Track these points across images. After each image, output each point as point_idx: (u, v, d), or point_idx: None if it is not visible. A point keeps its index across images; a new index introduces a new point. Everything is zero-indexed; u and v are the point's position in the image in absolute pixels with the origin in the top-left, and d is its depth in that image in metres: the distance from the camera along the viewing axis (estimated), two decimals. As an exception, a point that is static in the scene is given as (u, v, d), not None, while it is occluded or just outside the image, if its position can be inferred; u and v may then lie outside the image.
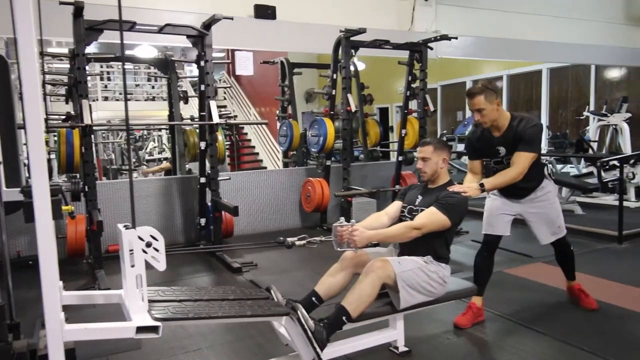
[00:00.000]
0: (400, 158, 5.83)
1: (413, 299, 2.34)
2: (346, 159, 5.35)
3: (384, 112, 12.61)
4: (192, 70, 13.54)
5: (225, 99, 12.79)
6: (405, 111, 5.74)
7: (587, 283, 3.30)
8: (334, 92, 5.52)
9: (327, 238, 2.39)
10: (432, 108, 5.57)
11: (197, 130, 5.20)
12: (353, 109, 5.15)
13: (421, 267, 2.37)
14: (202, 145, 4.69)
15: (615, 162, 5.73)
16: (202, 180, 4.80)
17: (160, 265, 1.79)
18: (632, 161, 5.90)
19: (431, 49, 5.57)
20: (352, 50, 5.23)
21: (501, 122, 2.79)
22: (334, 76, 5.48)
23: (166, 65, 5.78)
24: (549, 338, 2.71)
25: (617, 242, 4.64)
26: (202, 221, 4.91)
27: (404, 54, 5.65)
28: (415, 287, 2.33)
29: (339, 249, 2.38)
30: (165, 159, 9.39)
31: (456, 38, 5.55)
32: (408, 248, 2.48)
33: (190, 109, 9.12)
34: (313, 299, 2.40)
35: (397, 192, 5.86)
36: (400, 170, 5.89)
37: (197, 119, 5.38)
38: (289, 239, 2.39)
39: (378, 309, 2.35)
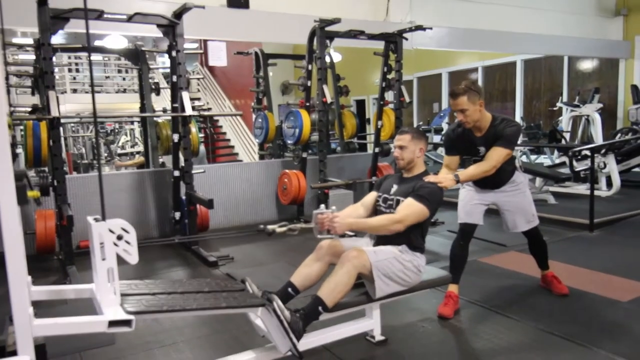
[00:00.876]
0: (377, 149, 5.87)
1: (388, 288, 2.38)
2: (322, 150, 5.37)
3: (360, 104, 12.69)
4: (164, 62, 13.34)
5: (199, 90, 12.64)
6: (381, 102, 5.79)
7: (559, 270, 3.40)
8: (309, 84, 5.52)
9: (307, 225, 2.42)
10: (407, 99, 5.62)
11: (170, 123, 5.13)
12: (329, 100, 5.16)
13: (396, 257, 2.41)
14: (175, 137, 4.64)
15: (587, 152, 5.90)
16: (176, 173, 4.76)
17: (132, 258, 1.78)
18: (603, 151, 6.08)
19: (406, 39, 5.61)
20: (327, 41, 5.23)
21: (483, 123, 2.86)
22: (309, 67, 5.48)
23: (137, 56, 5.68)
24: (523, 324, 2.79)
25: (588, 230, 4.79)
26: (177, 215, 4.88)
27: (380, 45, 5.68)
28: (390, 276, 2.37)
29: (319, 236, 2.41)
30: (138, 152, 9.25)
31: (431, 29, 5.61)
32: (384, 238, 2.51)
33: (162, 101, 9.01)
34: (289, 289, 2.42)
35: (373, 183, 5.94)
36: (377, 161, 5.94)
37: (169, 111, 5.31)
38: (269, 226, 2.41)
39: (354, 298, 2.38)
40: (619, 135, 7.51)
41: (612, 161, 6.07)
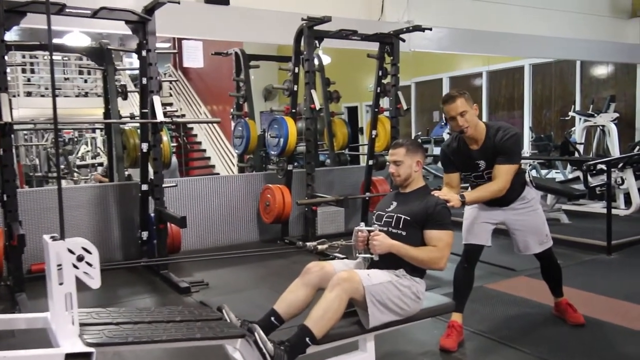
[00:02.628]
0: (371, 162, 5.91)
1: (384, 317, 2.37)
2: (310, 162, 5.39)
3: (352, 111, 12.77)
4: (132, 62, 13.36)
5: (171, 95, 12.67)
6: (376, 110, 5.84)
7: (574, 297, 3.43)
8: (295, 88, 5.56)
9: (347, 243, 2.55)
10: (405, 106, 5.69)
11: (138, 130, 5.12)
12: (317, 106, 5.21)
13: (393, 282, 2.41)
14: (144, 147, 4.63)
15: (603, 166, 5.99)
16: (144, 187, 4.73)
17: (94, 282, 1.76)
18: (620, 165, 6.18)
19: (403, 40, 5.70)
20: (316, 41, 5.29)
21: (479, 133, 2.90)
22: (296, 70, 5.52)
23: (101, 56, 5.68)
24: (534, 358, 2.79)
25: (605, 252, 4.85)
26: (144, 235, 4.84)
27: (374, 46, 5.75)
28: (385, 303, 2.36)
29: (357, 255, 2.51)
30: (100, 164, 9.18)
31: (430, 29, 5.70)
32: (379, 260, 2.51)
33: (129, 106, 8.99)
34: (272, 318, 2.40)
35: (366, 199, 5.97)
36: (371, 175, 5.98)
37: (138, 117, 5.30)
38: (309, 243, 2.56)
39: (345, 328, 2.37)
40: (637, 147, 7.65)
41: (631, 176, 6.17)
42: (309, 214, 5.45)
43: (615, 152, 7.59)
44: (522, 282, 4.12)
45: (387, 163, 6.11)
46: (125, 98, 5.89)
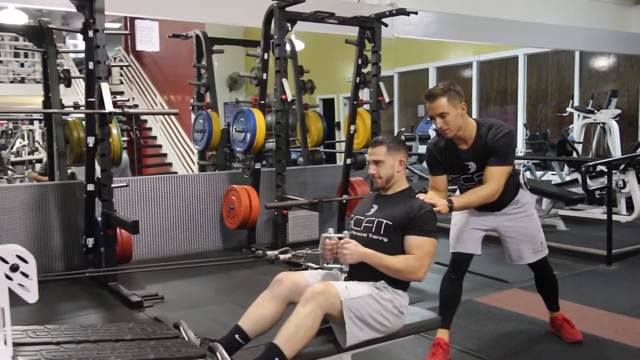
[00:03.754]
0: (349, 161, 5.93)
1: (363, 334, 2.38)
2: (280, 161, 5.38)
3: (328, 104, 12.82)
4: (76, 44, 13.16)
5: (122, 82, 12.53)
6: (355, 102, 5.87)
7: (571, 312, 3.50)
8: (265, 77, 5.55)
9: (313, 251, 2.51)
10: (387, 99, 5.72)
11: (84, 122, 5.04)
12: (289, 98, 5.20)
13: (373, 294, 2.42)
14: (90, 141, 4.57)
15: (603, 168, 6.14)
16: (90, 187, 4.68)
17: (31, 295, 1.73)
18: (622, 166, 6.34)
19: (385, 25, 5.73)
20: (288, 24, 5.29)
21: (468, 133, 2.92)
22: (265, 56, 5.51)
23: (41, 36, 5.57)
24: (527, 378, 2.85)
25: (605, 263, 4.96)
26: (90, 242, 4.78)
27: (353, 31, 5.77)
28: (365, 319, 2.37)
29: (325, 265, 2.50)
30: (39, 161, 9.01)
31: (416, 13, 5.75)
32: (357, 271, 2.52)
33: (73, 95, 8.85)
34: (236, 336, 2.39)
35: (343, 202, 6.00)
36: (349, 176, 6.00)
37: (83, 107, 5.22)
38: (270, 252, 2.51)
39: (319, 347, 2.37)
40: (641, 147, 7.85)
41: (633, 179, 6.34)
42: (279, 219, 5.44)
43: (616, 152, 7.78)
44: (515, 295, 4.18)
45: (367, 162, 6.14)
46: (68, 85, 5.79)
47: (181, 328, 2.29)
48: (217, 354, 2.10)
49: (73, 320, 3.82)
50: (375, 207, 2.64)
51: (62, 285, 4.59)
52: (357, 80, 5.82)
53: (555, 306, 3.38)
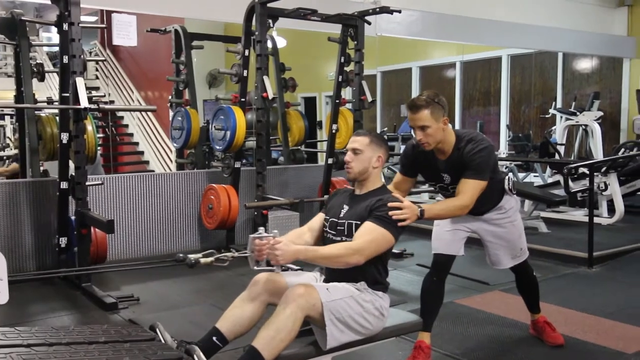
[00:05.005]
0: (331, 160, 5.94)
1: (343, 336, 2.39)
2: (261, 160, 5.36)
3: (310, 102, 12.82)
4: (50, 37, 12.99)
5: (97, 78, 12.41)
6: (337, 101, 5.87)
7: (553, 314, 3.54)
8: (245, 74, 5.52)
9: (241, 254, 2.39)
10: (370, 98, 5.74)
11: (57, 118, 4.98)
12: (270, 95, 5.18)
13: (354, 296, 2.43)
14: (64, 137, 4.52)
15: (585, 170, 6.22)
16: (64, 185, 4.62)
17: (1, 296, 1.71)
18: (603, 169, 6.43)
19: (369, 23, 5.74)
20: (270, 21, 5.28)
21: (447, 145, 2.90)
22: (246, 53, 5.49)
23: (13, 28, 5.49)
24: (508, 381, 2.88)
25: (586, 265, 5.03)
26: (63, 241, 4.73)
27: (336, 29, 5.78)
28: (346, 321, 2.38)
29: (255, 268, 2.39)
30: (9, 158, 8.87)
31: (399, 12, 5.77)
32: (337, 273, 2.52)
33: (47, 89, 8.74)
34: (214, 338, 2.38)
35: (325, 202, 5.99)
36: (330, 175, 6.00)
37: (57, 102, 5.16)
38: (191, 256, 2.35)
39: (299, 349, 2.37)
40: (622, 150, 7.98)
41: (615, 181, 6.44)
42: (259, 219, 5.42)
43: (598, 154, 7.90)
44: (497, 297, 4.22)
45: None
46: (42, 79, 5.70)
47: (157, 330, 2.28)
48: (195, 356, 2.10)
49: (45, 322, 3.78)
50: (346, 208, 2.62)
51: (33, 286, 4.54)
52: (340, 79, 5.82)
53: (536, 308, 3.42)
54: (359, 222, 2.51)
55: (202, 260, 2.36)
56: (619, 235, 5.97)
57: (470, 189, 2.83)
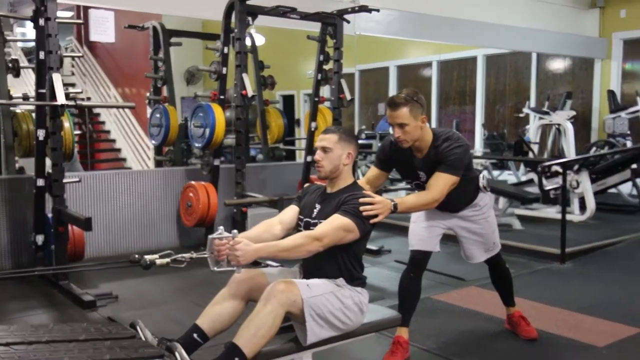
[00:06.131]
0: (309, 158, 5.94)
1: (323, 332, 2.39)
2: (240, 157, 5.34)
3: (288, 100, 12.79)
4: (24, 33, 12.75)
5: (73, 74, 12.20)
6: (316, 99, 5.88)
7: (527, 309, 3.60)
8: (224, 71, 5.50)
9: (200, 255, 2.32)
10: (348, 97, 5.75)
11: (33, 115, 4.91)
12: (250, 93, 5.17)
13: (334, 292, 2.44)
14: (41, 134, 4.47)
15: (558, 168, 6.32)
16: (40, 182, 4.57)
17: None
18: (576, 167, 6.53)
19: (348, 22, 5.76)
20: (249, 18, 5.26)
21: (424, 143, 2.92)
22: (225, 50, 5.46)
23: (-13, 23, 5.38)
24: (484, 375, 2.92)
25: (559, 261, 5.11)
26: (39, 239, 4.67)
27: (315, 27, 5.78)
28: (326, 316, 2.38)
29: (216, 269, 2.32)
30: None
31: (378, 10, 5.80)
32: (314, 268, 2.52)
33: (21, 85, 8.57)
34: (194, 335, 2.37)
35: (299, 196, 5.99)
36: (309, 173, 6.01)
37: (33, 99, 5.08)
38: (147, 257, 2.28)
39: (279, 346, 2.38)
40: (594, 149, 8.12)
41: (586, 180, 6.54)
42: (238, 217, 5.40)
43: (570, 153, 8.01)
44: (473, 292, 4.27)
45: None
46: (17, 75, 5.60)
47: (138, 328, 2.26)
48: (176, 354, 2.08)
49: (22, 321, 3.72)
50: (318, 207, 2.61)
51: (9, 284, 4.47)
52: (319, 77, 5.83)
53: (511, 301, 3.47)
54: None
55: (158, 261, 2.29)
56: (590, 232, 6.07)
57: (441, 182, 2.85)
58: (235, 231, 2.32)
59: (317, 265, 2.48)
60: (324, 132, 2.64)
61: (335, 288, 2.45)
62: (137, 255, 2.30)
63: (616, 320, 3.65)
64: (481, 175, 3.18)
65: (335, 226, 2.42)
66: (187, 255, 2.34)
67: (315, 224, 2.54)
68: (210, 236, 2.32)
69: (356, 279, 2.54)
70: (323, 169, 2.58)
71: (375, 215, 2.51)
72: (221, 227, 2.36)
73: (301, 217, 2.65)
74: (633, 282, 4.59)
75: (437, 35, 8.17)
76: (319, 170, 2.60)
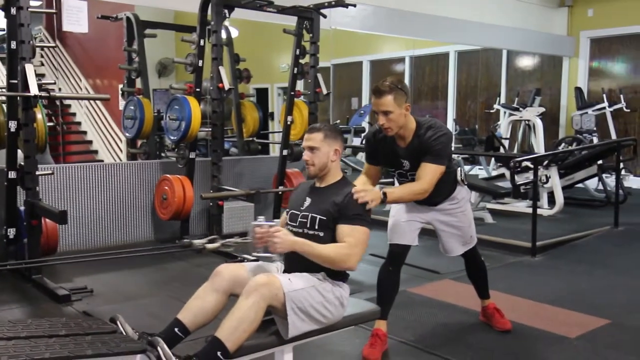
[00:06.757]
0: (285, 152, 5.92)
1: (304, 325, 2.39)
2: (217, 150, 5.30)
3: (262, 93, 12.72)
4: (-7, 22, 12.42)
5: (42, 64, 11.92)
6: (292, 93, 5.85)
7: (500, 301, 3.64)
8: (200, 64, 5.43)
9: (244, 240, 2.52)
10: (325, 91, 5.75)
11: (4, 105, 4.79)
12: (227, 86, 5.12)
13: (315, 286, 2.44)
14: (12, 125, 4.35)
15: (528, 163, 6.42)
16: (12, 175, 4.45)
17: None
18: (545, 162, 6.65)
19: (324, 16, 5.75)
20: (226, 11, 5.20)
21: (407, 131, 2.95)
22: (201, 42, 5.39)
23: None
24: (460, 366, 2.96)
25: (530, 254, 5.20)
26: (11, 232, 4.56)
27: (291, 21, 5.75)
28: (307, 310, 2.38)
29: (254, 254, 2.46)
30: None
31: (354, 6, 5.78)
32: (296, 262, 2.52)
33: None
34: (176, 329, 2.35)
35: (280, 194, 5.98)
36: (285, 167, 5.99)
37: (3, 89, 4.95)
38: (196, 241, 2.41)
39: (261, 339, 2.36)
40: (562, 144, 8.27)
41: (555, 175, 6.67)
42: (214, 210, 5.35)
43: (540, 148, 8.17)
44: (447, 285, 4.32)
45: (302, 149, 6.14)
46: (-12, 65, 5.47)
47: (118, 322, 2.24)
48: (158, 348, 2.06)
49: (-6, 316, 3.64)
50: (309, 200, 2.62)
51: (-20, 278, 4.37)
52: (295, 71, 5.80)
53: (486, 294, 3.51)
54: (324, 218, 2.52)
55: (209, 245, 2.45)
56: (559, 226, 6.19)
57: (429, 173, 2.90)
58: (276, 220, 2.48)
59: (299, 259, 2.47)
60: (309, 132, 2.65)
61: (317, 282, 2.45)
62: (187, 240, 2.42)
63: (586, 312, 3.74)
64: (459, 169, 3.22)
65: (362, 240, 2.50)
66: (232, 240, 2.55)
67: (305, 216, 2.56)
68: (252, 223, 2.44)
69: (338, 274, 2.54)
70: (313, 168, 2.60)
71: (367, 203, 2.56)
72: (261, 217, 2.47)
73: (288, 209, 2.67)
74: (600, 274, 4.71)
75: (410, 31, 8.22)
76: (309, 169, 2.63)
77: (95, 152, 10.95)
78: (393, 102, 2.83)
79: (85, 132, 11.24)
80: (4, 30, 4.44)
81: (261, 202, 5.39)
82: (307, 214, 2.57)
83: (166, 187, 5.45)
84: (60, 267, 4.69)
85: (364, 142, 3.34)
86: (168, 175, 5.49)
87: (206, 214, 5.62)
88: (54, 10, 7.64)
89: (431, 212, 3.19)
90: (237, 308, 2.26)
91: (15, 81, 4.28)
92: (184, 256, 5.01)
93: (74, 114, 11.47)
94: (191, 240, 2.44)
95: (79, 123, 11.38)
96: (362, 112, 10.62)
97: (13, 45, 4.26)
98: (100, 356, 1.92)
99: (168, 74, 12.73)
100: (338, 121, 10.94)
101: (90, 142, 11.12)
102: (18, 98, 4.26)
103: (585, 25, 9.66)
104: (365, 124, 10.24)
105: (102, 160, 10.31)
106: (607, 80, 9.51)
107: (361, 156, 8.16)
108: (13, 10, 4.20)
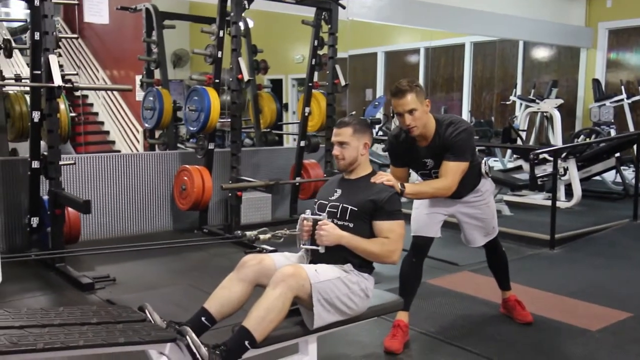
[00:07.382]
0: (303, 143, 5.92)
1: (330, 316, 2.40)
2: (236, 141, 5.31)
3: (276, 85, 12.71)
4: (8, 12, 12.49)
5: (60, 55, 11.97)
6: (310, 84, 5.84)
7: (520, 293, 3.62)
8: (220, 55, 5.43)
9: (293, 232, 2.54)
10: (343, 82, 5.73)
11: (27, 96, 4.82)
12: (246, 77, 5.12)
13: (341, 278, 2.44)
14: (36, 116, 4.39)
15: (546, 155, 6.37)
16: (35, 164, 4.49)
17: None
18: (564, 155, 6.59)
19: (343, 7, 5.73)
20: (245, 2, 5.20)
21: (429, 130, 2.93)
22: (221, 34, 5.39)
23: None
24: (482, 358, 2.95)
25: (549, 247, 5.17)
26: (34, 221, 4.61)
27: (309, 12, 5.74)
28: (333, 301, 2.39)
29: (301, 246, 2.54)
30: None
31: (373, -4, 5.77)
32: (322, 254, 2.53)
33: (10, 66, 8.42)
34: (202, 319, 2.36)
35: (297, 185, 5.99)
36: (302, 158, 5.99)
37: (26, 80, 4.99)
38: (249, 233, 2.52)
39: (286, 330, 2.37)
40: (581, 137, 8.19)
41: (573, 167, 6.61)
42: (233, 201, 5.36)
43: (557, 141, 8.09)
44: (467, 277, 4.31)
45: (320, 144, 6.14)
46: (9, 56, 5.49)
47: (147, 311, 2.25)
48: (187, 337, 2.07)
49: (21, 303, 3.68)
50: (339, 191, 2.64)
51: (4, 266, 4.39)
52: (313, 62, 5.79)
53: (507, 285, 3.50)
54: (355, 209, 2.53)
55: (261, 236, 2.52)
56: (577, 218, 6.14)
57: (452, 170, 2.89)
58: (324, 214, 2.53)
59: (328, 249, 2.48)
60: (338, 126, 2.65)
61: (343, 274, 2.46)
62: (239, 232, 2.56)
63: (606, 305, 3.71)
64: (483, 161, 3.20)
65: (401, 234, 2.55)
66: (281, 231, 2.57)
67: (335, 206, 2.58)
68: (301, 215, 2.55)
69: (364, 266, 2.55)
70: (343, 162, 2.62)
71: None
72: (308, 210, 2.57)
73: (316, 200, 2.70)
74: (619, 267, 4.66)
75: (426, 21, 8.15)
76: (339, 163, 2.65)
77: (113, 142, 11.01)
78: (416, 99, 2.82)
79: (102, 123, 11.30)
80: (21, 21, 4.46)
81: (279, 193, 5.39)
82: (338, 204, 2.58)
83: (185, 178, 5.47)
84: (83, 255, 4.72)
85: (386, 147, 3.33)
86: (187, 166, 5.51)
87: (224, 204, 5.64)
88: (76, 1, 7.67)
89: (455, 204, 3.18)
90: (264, 298, 2.27)
91: (39, 72, 4.31)
92: (202, 246, 5.04)
93: (91, 105, 11.54)
94: (244, 232, 2.51)
95: (97, 114, 11.44)
96: (376, 103, 10.54)
97: (37, 36, 4.29)
98: (133, 344, 1.94)
99: (183, 65, 12.75)
100: (354, 112, 10.90)
101: (108, 132, 11.18)
102: (42, 89, 4.29)
103: (603, 16, 9.51)
104: (380, 115, 10.18)
105: (119, 151, 10.36)
106: (625, 72, 9.38)
107: (376, 147, 8.13)
108: (37, 2, 4.23)
